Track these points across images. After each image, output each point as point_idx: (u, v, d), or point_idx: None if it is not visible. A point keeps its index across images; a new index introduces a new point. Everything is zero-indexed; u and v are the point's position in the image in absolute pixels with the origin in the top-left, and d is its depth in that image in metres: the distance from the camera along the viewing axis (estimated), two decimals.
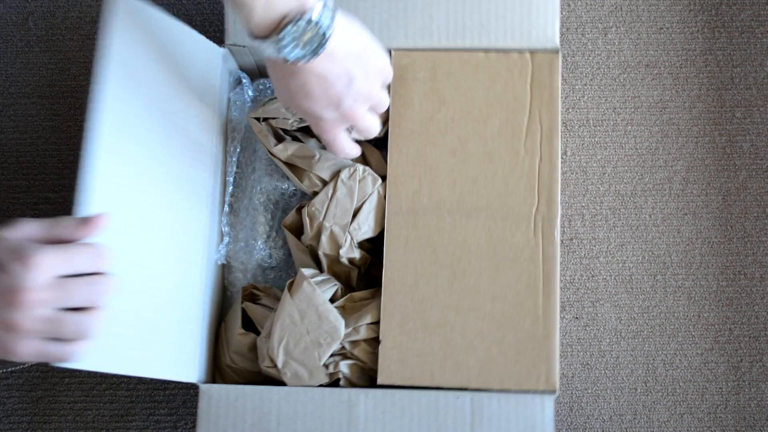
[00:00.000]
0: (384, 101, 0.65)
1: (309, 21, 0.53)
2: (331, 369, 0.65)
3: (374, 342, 0.66)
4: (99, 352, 0.63)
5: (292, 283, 0.68)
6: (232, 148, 0.74)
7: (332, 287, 0.68)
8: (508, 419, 0.63)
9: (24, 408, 0.79)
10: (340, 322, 0.65)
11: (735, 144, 0.83)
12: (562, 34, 0.85)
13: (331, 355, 0.65)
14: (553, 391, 0.65)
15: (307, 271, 0.68)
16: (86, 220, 0.53)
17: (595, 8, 0.86)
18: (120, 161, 0.67)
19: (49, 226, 0.53)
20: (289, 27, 0.53)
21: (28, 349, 0.50)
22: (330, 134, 0.63)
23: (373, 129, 0.65)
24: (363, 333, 0.66)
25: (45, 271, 0.49)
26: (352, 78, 0.58)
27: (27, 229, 0.52)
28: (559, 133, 0.68)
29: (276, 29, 0.53)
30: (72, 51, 0.86)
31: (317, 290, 0.66)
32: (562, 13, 0.86)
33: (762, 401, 0.78)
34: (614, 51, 0.85)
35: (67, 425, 0.78)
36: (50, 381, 0.79)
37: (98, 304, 0.52)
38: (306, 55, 0.55)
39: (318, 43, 0.54)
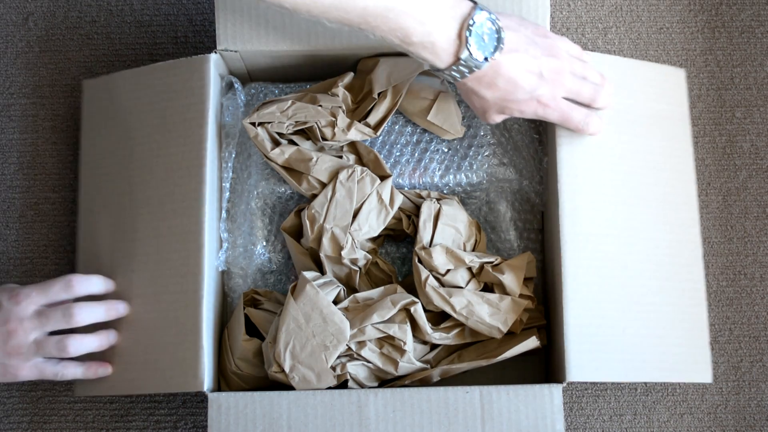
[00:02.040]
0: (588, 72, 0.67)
1: (477, 12, 0.59)
2: (338, 371, 0.66)
3: (380, 342, 0.67)
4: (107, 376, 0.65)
5: (294, 287, 0.68)
6: (226, 154, 0.73)
7: (335, 289, 0.68)
8: (517, 411, 0.63)
9: (24, 408, 0.79)
10: (345, 324, 0.65)
11: (735, 144, 0.83)
12: (562, 34, 0.85)
13: (338, 357, 0.65)
14: (560, 381, 0.65)
15: (308, 274, 0.68)
16: None
17: (595, 8, 0.86)
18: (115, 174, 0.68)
19: None
20: (472, 31, 0.59)
21: (27, 371, 0.64)
22: (555, 111, 0.65)
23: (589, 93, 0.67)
24: (368, 333, 0.66)
25: (29, 305, 0.64)
26: (536, 42, 0.63)
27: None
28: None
29: (462, 40, 0.59)
30: (72, 51, 0.86)
31: (320, 293, 0.66)
32: (562, 13, 0.86)
33: (762, 401, 0.78)
34: (614, 51, 0.85)
35: (67, 425, 0.78)
36: (50, 381, 0.79)
37: (72, 324, 0.64)
38: (496, 46, 0.60)
39: (497, 32, 0.60)
